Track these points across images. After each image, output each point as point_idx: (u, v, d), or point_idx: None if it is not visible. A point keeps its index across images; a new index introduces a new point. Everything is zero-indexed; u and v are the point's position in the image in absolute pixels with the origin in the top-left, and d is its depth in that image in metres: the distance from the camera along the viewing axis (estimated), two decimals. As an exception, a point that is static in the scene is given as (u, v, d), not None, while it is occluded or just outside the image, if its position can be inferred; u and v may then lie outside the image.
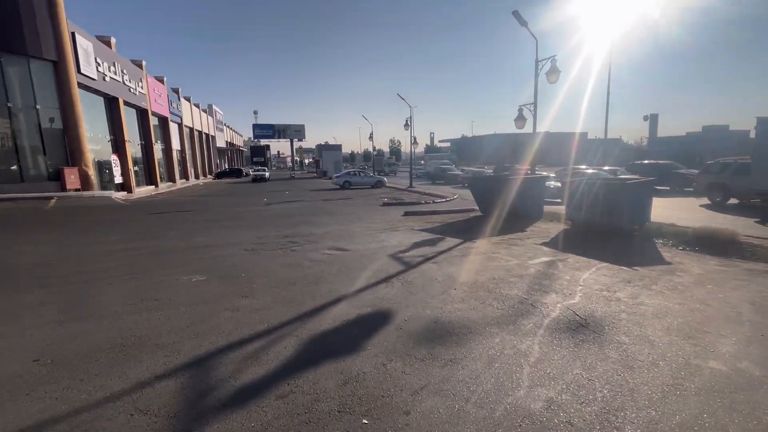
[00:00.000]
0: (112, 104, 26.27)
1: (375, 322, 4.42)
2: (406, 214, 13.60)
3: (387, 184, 29.71)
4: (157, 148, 34.50)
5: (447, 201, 18.52)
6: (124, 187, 26.58)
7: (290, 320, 4.45)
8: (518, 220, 11.70)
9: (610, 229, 9.60)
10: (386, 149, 72.96)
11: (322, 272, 6.44)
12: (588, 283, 5.82)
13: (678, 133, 56.74)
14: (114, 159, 25.79)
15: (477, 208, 13.98)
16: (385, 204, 17.16)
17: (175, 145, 39.16)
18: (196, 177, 45.72)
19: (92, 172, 22.05)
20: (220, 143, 61.49)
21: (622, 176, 17.45)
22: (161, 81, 35.65)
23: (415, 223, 11.56)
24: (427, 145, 65.77)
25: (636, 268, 6.59)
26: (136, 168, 29.86)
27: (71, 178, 20.96)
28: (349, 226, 11.27)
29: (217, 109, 59.23)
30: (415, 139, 26.36)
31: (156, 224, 12.38)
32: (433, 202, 18.06)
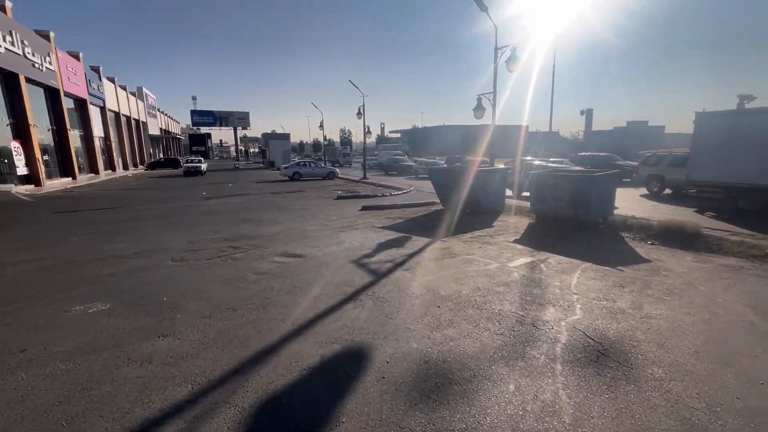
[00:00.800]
0: (9, 81, 21.95)
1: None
2: (364, 208, 12.43)
3: (339, 176, 28.24)
4: (74, 135, 29.88)
5: (404, 193, 17.60)
6: (31, 179, 22.53)
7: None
8: (482, 214, 11.04)
9: (576, 222, 9.20)
10: (337, 139, 70.68)
11: (271, 289, 5.10)
12: (581, 290, 5.09)
13: (606, 128, 60.98)
14: (15, 146, 21.66)
15: (437, 200, 13.17)
16: (339, 197, 15.83)
17: (98, 131, 34.35)
18: (125, 167, 40.77)
19: (-16, 162, 18.19)
20: (153, 130, 55.57)
21: (577, 168, 17.59)
22: (76, 57, 30.80)
23: (375, 219, 10.44)
24: (378, 135, 64.65)
25: (620, 268, 6.03)
26: (46, 157, 25.52)
27: (-45, 169, 17.08)
28: (302, 224, 9.86)
29: (148, 92, 53.25)
30: (368, 128, 25.16)
31: (61, 226, 10.04)
32: (390, 194, 17.05)
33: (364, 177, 25.61)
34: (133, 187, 22.15)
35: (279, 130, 58.45)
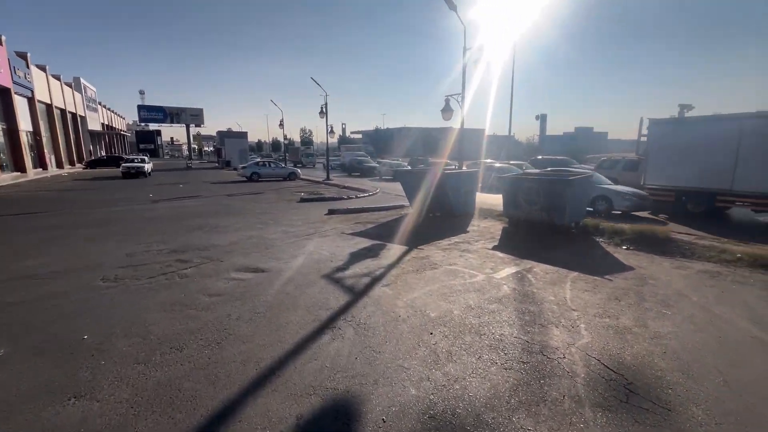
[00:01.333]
0: None
1: None
2: (331, 212, 11.55)
3: (301, 177, 26.97)
4: (-5, 128, 26.22)
5: (371, 195, 16.88)
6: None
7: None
8: (455, 217, 10.58)
9: (550, 227, 8.97)
10: (297, 139, 68.30)
11: (228, 318, 4.17)
12: (579, 305, 4.64)
13: (557, 133, 64.06)
14: None
15: (407, 203, 12.60)
16: (303, 200, 14.80)
17: (25, 125, 30.44)
18: (60, 165, 36.60)
19: None
20: (94, 126, 50.62)
21: (543, 171, 17.72)
22: (-3, 41, 27.01)
23: (344, 225, 9.63)
24: (340, 136, 63.29)
25: (608, 277, 5.71)
26: (-42, 153, 22.08)
27: None
28: (262, 231, 8.83)
29: (87, 84, 48.40)
30: (331, 127, 24.14)
31: (-33, 236, 8.28)
32: (356, 197, 16.26)
33: (328, 178, 24.59)
34: (67, 188, 19.59)
35: (236, 128, 55.46)
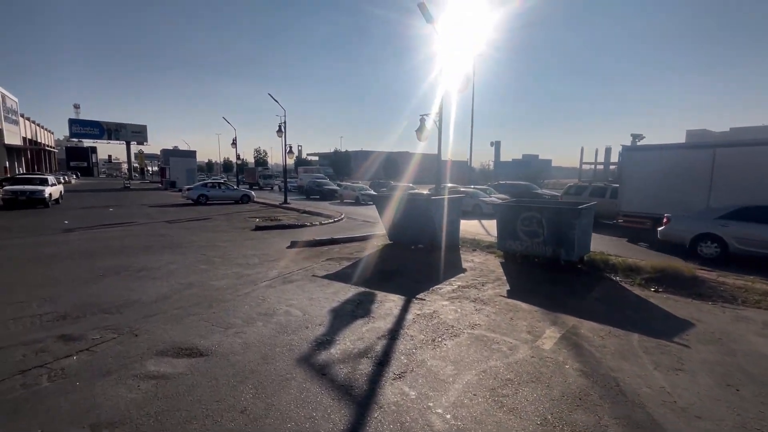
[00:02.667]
0: None
1: None
2: (294, 244, 9.43)
3: (255, 199, 24.30)
4: None
5: (335, 222, 14.92)
6: None
7: None
8: (440, 250, 8.96)
9: (554, 262, 7.64)
10: (251, 160, 64.48)
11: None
12: (689, 400, 3.07)
13: (506, 159, 66.49)
14: None
15: (379, 231, 10.88)
16: (258, 227, 12.46)
17: None
18: (-39, 184, 30.48)
19: None
20: (13, 140, 43.83)
21: (503, 196, 16.86)
22: None
23: (313, 262, 7.59)
24: (297, 157, 60.50)
25: (679, 341, 4.28)
26: None
27: None
28: (206, 274, 6.55)
29: (5, 92, 42.10)
30: (290, 147, 21.98)
31: None
32: (320, 223, 14.20)
33: (285, 201, 22.23)
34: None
35: (183, 147, 50.98)
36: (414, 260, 8.06)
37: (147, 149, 70.41)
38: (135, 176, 61.97)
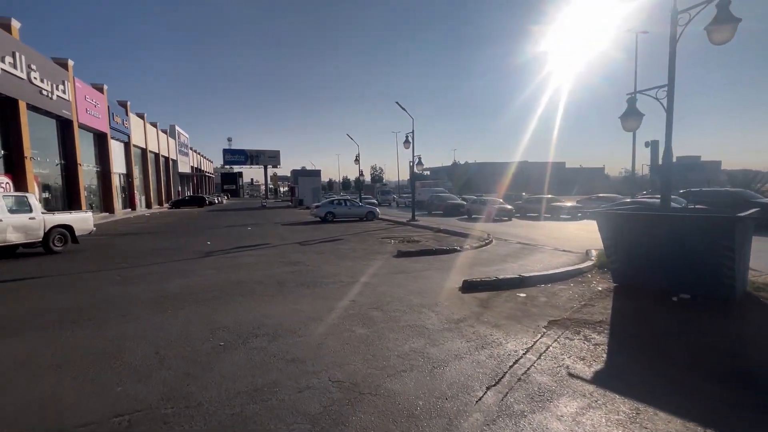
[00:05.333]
0: (7, 107, 18.13)
1: None
2: (470, 286, 6.43)
3: (380, 216, 22.68)
4: (89, 171, 26.08)
5: (485, 244, 11.64)
6: (20, 220, 18.06)
7: None
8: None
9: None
10: (367, 177, 66.31)
11: None
12: None
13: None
14: (3, 182, 17.39)
15: (582, 264, 7.21)
16: (401, 253, 9.99)
17: (119, 167, 30.75)
18: (148, 206, 36.94)
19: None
20: (184, 168, 52.85)
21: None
22: (99, 89, 27.65)
23: (526, 326, 4.49)
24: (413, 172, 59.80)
25: None
26: (46, 195, 21.39)
27: None
28: (369, 350, 4.01)
29: (181, 130, 51.02)
30: (419, 158, 19.81)
31: None
32: (471, 247, 11.10)
33: (413, 218, 19.87)
34: (128, 231, 17.20)
35: (309, 167, 54.56)
36: (688, 329, 4.24)
37: (280, 171, 78.81)
38: (269, 196, 69.35)
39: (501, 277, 6.67)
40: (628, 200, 18.40)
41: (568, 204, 23.92)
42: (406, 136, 20.16)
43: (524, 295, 5.97)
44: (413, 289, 6.37)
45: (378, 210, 23.15)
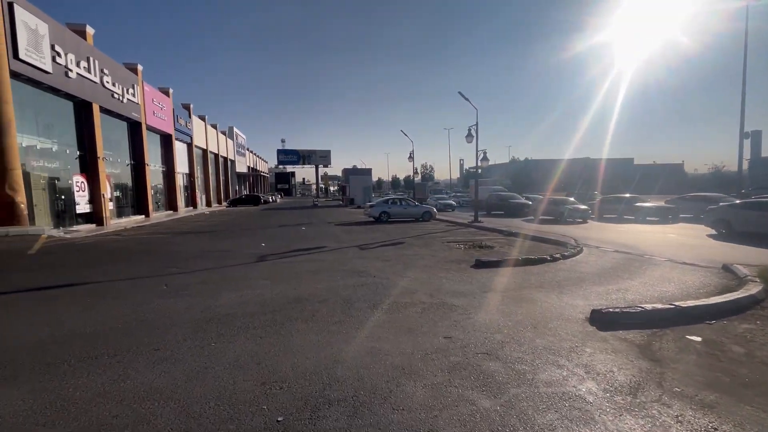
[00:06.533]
0: (83, 110, 18.94)
1: None
2: (607, 321, 4.61)
3: (437, 216, 20.95)
4: (155, 170, 27.17)
5: (577, 253, 9.54)
6: (94, 218, 18.86)
7: None
8: None
9: None
10: (417, 177, 64.77)
11: None
12: None
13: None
14: (78, 181, 18.16)
15: (730, 280, 5.04)
16: (480, 263, 8.26)
17: (181, 167, 31.94)
18: (208, 204, 38.31)
19: (22, 198, 14.24)
20: (241, 168, 54.76)
21: None
22: (165, 93, 28.76)
23: (742, 399, 2.67)
24: (467, 169, 56.97)
25: None
26: (118, 193, 22.32)
27: (-20, 207, 13.19)
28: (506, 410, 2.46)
29: (239, 132, 52.85)
30: (483, 153, 17.68)
31: None
32: (562, 256, 9.07)
33: (476, 219, 17.90)
34: (188, 230, 17.13)
35: (360, 166, 54.04)
36: None
37: (329, 170, 79.59)
38: (320, 195, 70.15)
39: (648, 307, 4.75)
40: (742, 201, 14.94)
41: (654, 204, 20.51)
42: (469, 130, 18.22)
43: (699, 338, 4.04)
44: (523, 319, 4.69)
45: (435, 210, 21.42)
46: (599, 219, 20.56)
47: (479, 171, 20.79)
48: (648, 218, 19.40)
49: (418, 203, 22.48)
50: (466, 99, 17.79)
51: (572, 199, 22.38)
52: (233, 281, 6.80)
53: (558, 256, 9.14)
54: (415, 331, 4.29)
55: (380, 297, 5.70)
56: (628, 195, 22.70)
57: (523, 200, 25.30)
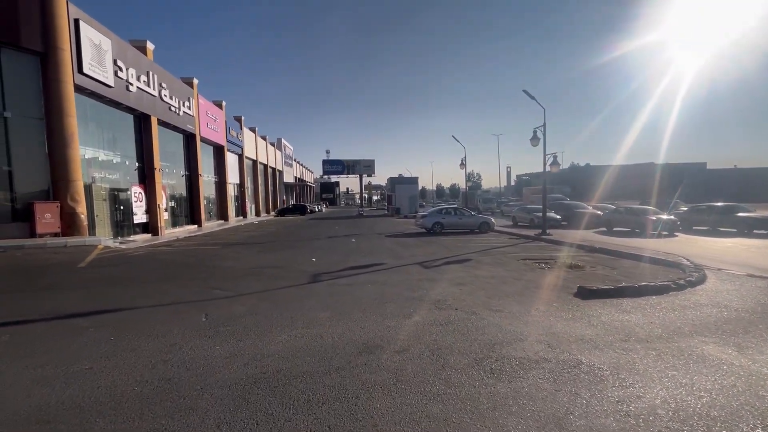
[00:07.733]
0: (142, 122, 19.37)
1: None
2: None
3: (495, 227, 18.94)
4: (208, 181, 27.65)
5: (696, 281, 7.33)
6: (149, 227, 19.09)
7: None
8: None
9: None
10: (461, 184, 62.32)
11: None
12: None
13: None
14: (137, 192, 18.46)
15: None
16: (584, 291, 6.40)
17: (232, 178, 32.46)
18: (257, 213, 38.82)
19: (82, 209, 14.38)
20: (288, 179, 55.67)
21: None
22: (219, 105, 29.42)
23: None
24: (518, 176, 53.91)
25: None
26: (172, 204, 22.70)
27: (46, 217, 13.39)
28: None
29: (286, 143, 53.87)
30: (554, 157, 15.50)
31: None
32: (685, 282, 6.94)
33: (544, 232, 15.72)
34: (237, 241, 16.60)
35: (405, 174, 52.76)
36: None
37: (373, 180, 79.15)
38: (364, 204, 69.70)
39: None
40: None
41: (763, 215, 17.08)
42: (534, 132, 16.18)
43: None
44: (708, 401, 2.90)
45: (494, 221, 19.41)
46: (687, 231, 17.55)
47: (545, 176, 18.42)
48: (756, 231, 16.10)
49: (474, 213, 20.58)
50: (532, 97, 15.83)
51: (654, 208, 19.33)
52: (285, 311, 5.56)
53: (682, 282, 7.03)
54: (566, 425, 2.67)
55: (479, 346, 4.13)
56: (721, 204, 19.27)
57: (591, 210, 22.47)
